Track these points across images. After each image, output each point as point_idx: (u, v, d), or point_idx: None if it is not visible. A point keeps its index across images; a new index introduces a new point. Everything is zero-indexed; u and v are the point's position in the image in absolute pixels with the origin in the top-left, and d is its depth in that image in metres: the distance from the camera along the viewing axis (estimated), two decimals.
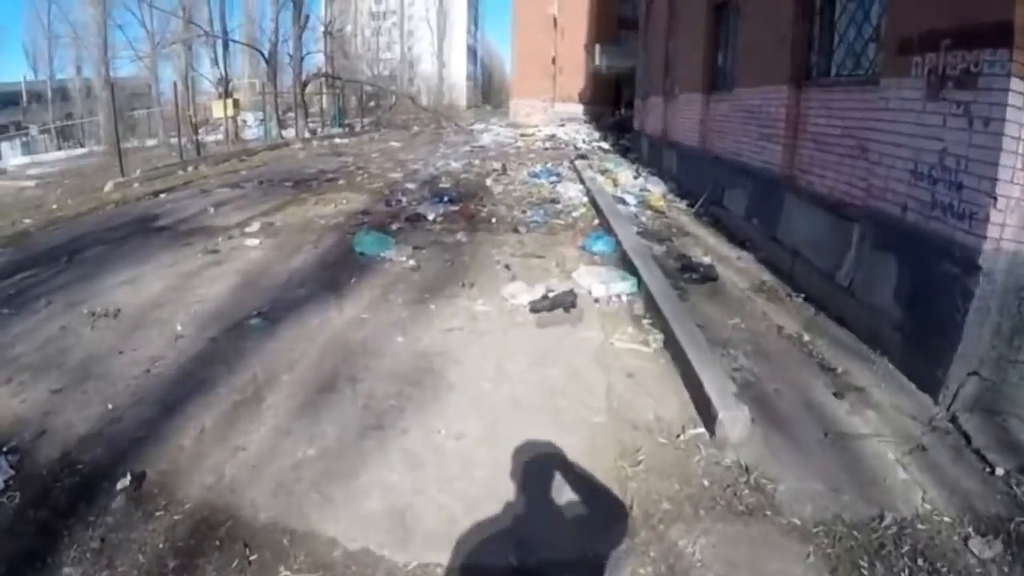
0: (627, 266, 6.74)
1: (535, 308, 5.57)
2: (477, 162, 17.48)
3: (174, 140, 19.63)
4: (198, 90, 31.65)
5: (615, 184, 13.04)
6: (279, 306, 5.79)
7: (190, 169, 17.43)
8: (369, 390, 4.20)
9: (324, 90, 36.15)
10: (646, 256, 6.75)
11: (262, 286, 6.42)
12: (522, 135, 28.62)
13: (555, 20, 44.73)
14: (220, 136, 24.86)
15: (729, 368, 4.43)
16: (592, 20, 43.17)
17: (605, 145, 24.20)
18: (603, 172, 14.77)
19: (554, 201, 10.84)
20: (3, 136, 37.67)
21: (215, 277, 6.79)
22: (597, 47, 36.50)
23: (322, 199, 11.63)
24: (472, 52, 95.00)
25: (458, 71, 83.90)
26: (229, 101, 22.49)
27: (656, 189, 12.48)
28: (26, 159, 29.43)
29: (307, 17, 32.00)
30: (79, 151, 29.61)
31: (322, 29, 36.12)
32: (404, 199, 11.23)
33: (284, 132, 29.10)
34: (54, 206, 12.37)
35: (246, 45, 35.31)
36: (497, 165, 16.30)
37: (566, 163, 16.77)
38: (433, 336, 5.05)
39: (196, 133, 22.08)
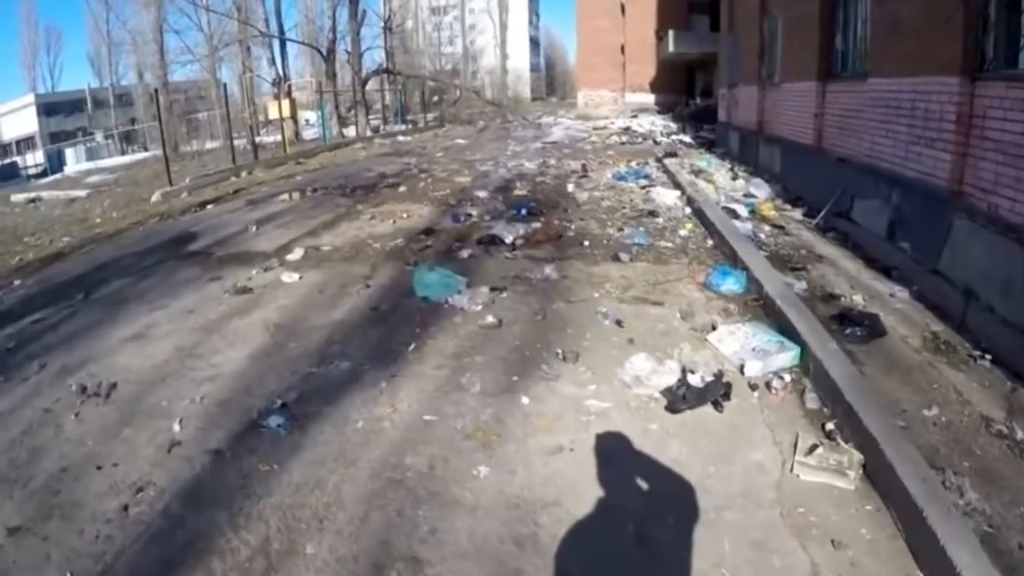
0: (774, 318, 5.01)
1: (674, 406, 3.78)
2: (553, 161, 15.73)
3: (236, 142, 18.65)
4: (259, 91, 30.88)
5: (715, 188, 11.18)
6: (310, 391, 4.16)
7: (244, 175, 16.40)
8: None
9: (386, 86, 34.93)
10: (802, 310, 4.91)
11: (292, 353, 4.80)
12: (595, 128, 26.82)
13: (622, 6, 42.67)
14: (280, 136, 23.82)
15: (959, 510, 2.74)
16: (661, 5, 40.94)
17: (686, 138, 22.19)
18: (697, 172, 12.89)
19: (652, 214, 9.00)
20: (68, 143, 38.15)
21: (237, 335, 5.24)
22: (671, 33, 34.24)
23: (379, 212, 10.10)
24: (535, 43, 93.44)
25: (521, 63, 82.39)
26: (285, 102, 21.27)
27: (761, 193, 10.58)
28: (89, 164, 29.50)
29: (364, 12, 30.88)
30: (142, 155, 29.43)
31: (381, 24, 34.88)
32: (474, 212, 9.56)
33: (345, 130, 28.00)
34: (97, 220, 11.60)
35: (303, 44, 34.38)
36: (576, 165, 14.54)
37: (652, 161, 14.91)
38: (533, 465, 3.29)
39: (254, 135, 21.04)
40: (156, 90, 18.28)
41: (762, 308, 5.35)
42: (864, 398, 3.55)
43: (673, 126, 27.23)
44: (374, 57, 35.48)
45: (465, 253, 7.27)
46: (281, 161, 18.80)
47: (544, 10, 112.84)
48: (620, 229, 8.18)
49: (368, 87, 31.15)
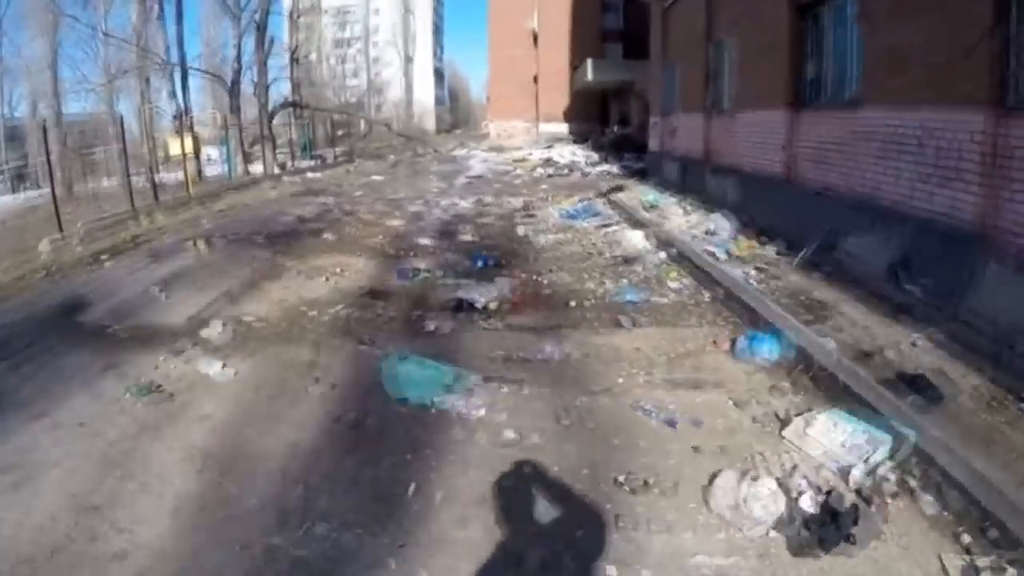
0: (834, 393, 4.29)
1: (806, 550, 2.74)
2: (489, 199, 14.66)
3: (134, 180, 16.67)
4: (159, 126, 28.53)
5: (678, 227, 10.35)
6: None
7: (144, 219, 14.45)
8: None
9: (292, 120, 33.08)
10: (880, 391, 4.09)
11: (237, 506, 3.29)
12: (515, 160, 26.09)
13: (535, 35, 42.51)
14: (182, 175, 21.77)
15: None
16: (574, 33, 40.98)
17: (612, 168, 21.67)
18: (648, 207, 12.09)
19: (628, 261, 8.01)
20: None
21: (151, 471, 3.70)
22: (589, 62, 34.06)
23: (308, 267, 8.64)
24: (439, 75, 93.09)
25: (426, 95, 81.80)
26: (188, 137, 19.30)
27: (723, 229, 9.81)
28: None
29: (272, 41, 29.12)
30: (35, 193, 26.56)
31: (288, 55, 33.11)
32: (423, 265, 8.28)
33: (251, 167, 26.09)
34: None
35: (206, 73, 32.16)
36: (516, 203, 13.55)
37: (594, 196, 14.10)
38: None
39: (154, 173, 18.95)
40: (45, 122, 16.08)
41: (811, 380, 4.56)
42: (1004, 503, 2.88)
43: (594, 155, 26.79)
44: (280, 89, 33.61)
45: (431, 325, 5.93)
46: (184, 202, 16.92)
47: (446, 41, 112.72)
48: (601, 283, 7.14)
49: (274, 121, 29.34)
